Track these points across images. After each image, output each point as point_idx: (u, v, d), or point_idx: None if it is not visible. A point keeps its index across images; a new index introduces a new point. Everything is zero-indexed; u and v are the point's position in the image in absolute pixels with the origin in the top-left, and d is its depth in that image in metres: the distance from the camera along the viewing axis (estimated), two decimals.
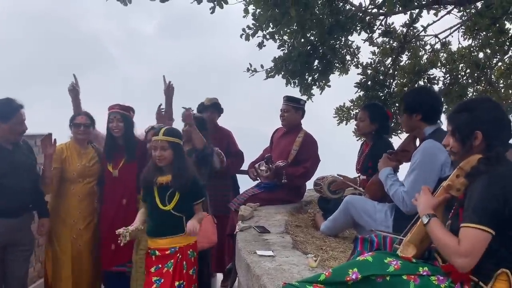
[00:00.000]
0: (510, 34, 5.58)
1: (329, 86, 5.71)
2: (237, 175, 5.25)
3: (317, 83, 5.31)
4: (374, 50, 6.56)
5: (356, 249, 2.24)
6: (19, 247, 3.43)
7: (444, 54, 6.84)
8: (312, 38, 4.57)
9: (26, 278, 3.59)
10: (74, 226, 3.92)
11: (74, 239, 3.91)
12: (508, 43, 5.99)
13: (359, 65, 6.26)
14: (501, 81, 6.94)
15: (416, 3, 4.85)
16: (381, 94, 5.76)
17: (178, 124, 4.31)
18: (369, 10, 4.81)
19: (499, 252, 1.73)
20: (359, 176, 3.78)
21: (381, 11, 4.79)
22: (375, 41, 6.31)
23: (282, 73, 4.73)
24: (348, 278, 1.79)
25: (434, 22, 5.62)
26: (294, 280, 2.01)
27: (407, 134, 3.25)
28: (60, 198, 3.92)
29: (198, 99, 5.02)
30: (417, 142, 3.09)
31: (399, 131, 5.94)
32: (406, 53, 6.76)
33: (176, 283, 3.02)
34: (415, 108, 2.90)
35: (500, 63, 6.69)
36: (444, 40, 6.57)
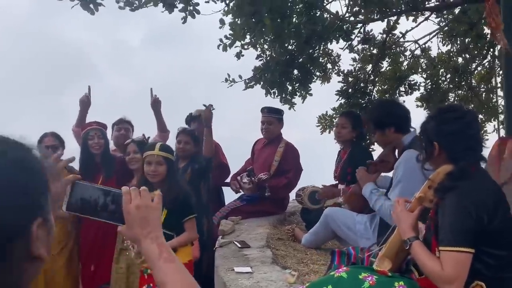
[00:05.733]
0: (487, 39, 5.62)
1: (310, 95, 5.69)
2: (222, 187, 5.17)
3: (297, 92, 5.28)
4: (355, 57, 6.58)
5: (333, 263, 2.18)
6: None
7: (424, 60, 6.89)
8: (290, 47, 4.54)
9: None
10: None
11: (46, 265, 3.78)
12: (486, 48, 6.04)
13: (340, 73, 6.26)
14: (482, 86, 6.99)
15: (394, 10, 4.86)
16: (362, 101, 5.74)
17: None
18: (347, 18, 4.79)
19: (474, 266, 1.68)
20: (337, 184, 3.74)
21: (357, 18, 4.77)
22: (355, 48, 6.32)
23: (261, 83, 4.68)
24: None
25: (412, 28, 5.66)
26: None
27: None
28: None
29: (187, 109, 4.88)
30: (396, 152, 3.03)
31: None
32: (387, 59, 6.80)
33: None
34: (386, 123, 2.84)
35: (479, 68, 6.74)
36: (424, 46, 6.61)
